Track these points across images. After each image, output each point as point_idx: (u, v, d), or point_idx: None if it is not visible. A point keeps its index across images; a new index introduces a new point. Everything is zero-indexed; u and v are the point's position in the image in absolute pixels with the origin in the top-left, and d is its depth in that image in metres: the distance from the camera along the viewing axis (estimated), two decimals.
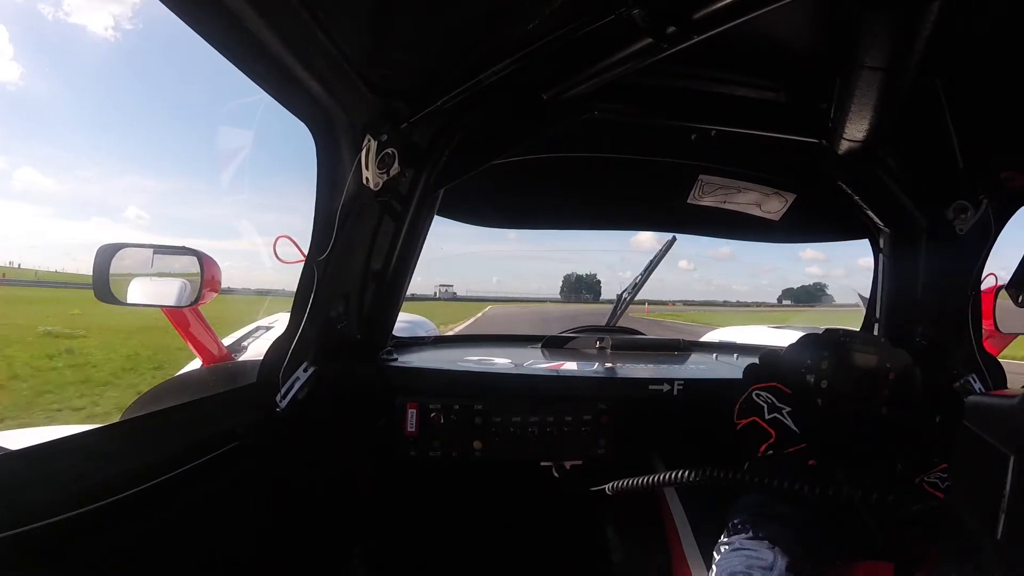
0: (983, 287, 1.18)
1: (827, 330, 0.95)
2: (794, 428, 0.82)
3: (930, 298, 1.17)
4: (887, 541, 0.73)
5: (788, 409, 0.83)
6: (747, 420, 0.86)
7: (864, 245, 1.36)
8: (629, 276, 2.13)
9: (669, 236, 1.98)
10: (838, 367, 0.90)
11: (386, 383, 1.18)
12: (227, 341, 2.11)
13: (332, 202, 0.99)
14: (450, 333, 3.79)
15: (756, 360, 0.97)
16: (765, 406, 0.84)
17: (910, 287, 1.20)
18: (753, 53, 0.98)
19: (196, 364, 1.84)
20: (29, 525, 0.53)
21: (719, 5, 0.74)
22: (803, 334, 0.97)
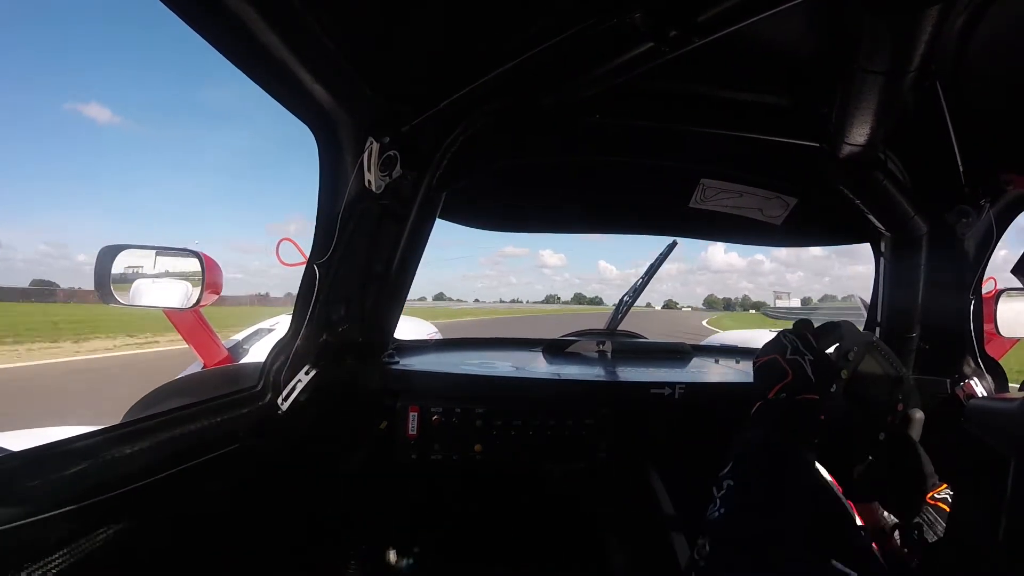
0: (984, 291, 1.18)
1: (853, 327, 0.90)
2: (811, 376, 0.78)
3: (931, 302, 1.17)
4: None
5: (810, 358, 0.80)
6: (767, 358, 0.82)
7: None
8: None
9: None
10: (858, 368, 0.87)
11: (387, 386, 1.18)
12: (229, 343, 2.12)
13: (334, 205, 0.99)
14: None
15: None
16: (789, 346, 0.81)
17: (911, 291, 1.19)
18: (754, 57, 0.99)
19: (198, 366, 1.85)
20: (27, 520, 0.53)
21: (720, 9, 0.75)
22: (843, 320, 0.92)
